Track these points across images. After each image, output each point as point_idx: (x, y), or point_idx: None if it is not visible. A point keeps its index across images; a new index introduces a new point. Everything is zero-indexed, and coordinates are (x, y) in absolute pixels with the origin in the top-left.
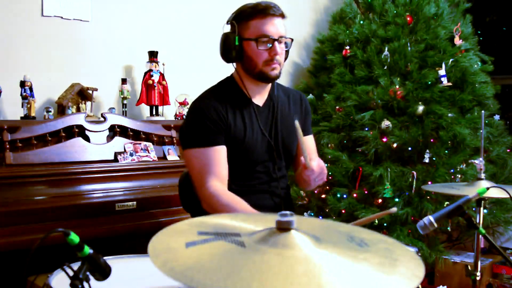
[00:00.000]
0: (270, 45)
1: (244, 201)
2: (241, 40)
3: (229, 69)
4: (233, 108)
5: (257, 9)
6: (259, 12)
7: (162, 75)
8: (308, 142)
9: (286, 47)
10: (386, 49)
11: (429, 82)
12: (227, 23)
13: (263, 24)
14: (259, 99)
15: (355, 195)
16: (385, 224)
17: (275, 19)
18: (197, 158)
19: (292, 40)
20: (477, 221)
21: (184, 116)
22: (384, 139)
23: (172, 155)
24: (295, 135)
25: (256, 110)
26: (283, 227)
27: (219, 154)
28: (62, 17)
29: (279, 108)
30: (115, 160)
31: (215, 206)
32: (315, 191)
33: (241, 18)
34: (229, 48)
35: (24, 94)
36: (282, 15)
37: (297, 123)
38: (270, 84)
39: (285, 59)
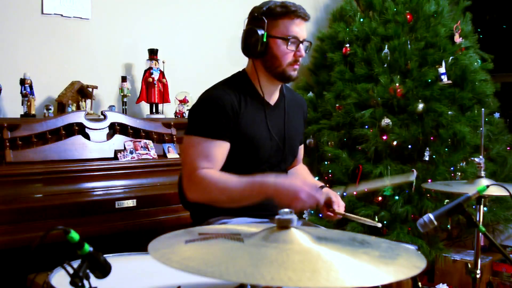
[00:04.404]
0: (296, 47)
1: (239, 177)
2: (268, 36)
3: (230, 67)
4: (246, 103)
5: (288, 9)
6: (290, 12)
7: (162, 73)
8: (301, 150)
9: (306, 50)
10: (386, 47)
11: (429, 80)
12: (253, 18)
13: (292, 25)
14: (271, 98)
15: (355, 193)
16: (385, 222)
17: (303, 22)
18: (196, 147)
19: (311, 43)
20: (477, 219)
21: (183, 114)
22: (384, 137)
23: (172, 153)
24: (299, 137)
25: (267, 108)
26: (283, 225)
27: (221, 149)
28: (62, 15)
29: (288, 109)
30: (115, 158)
31: (208, 187)
32: None
33: (269, 15)
34: (254, 43)
35: (24, 92)
36: (308, 20)
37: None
38: (281, 84)
39: None
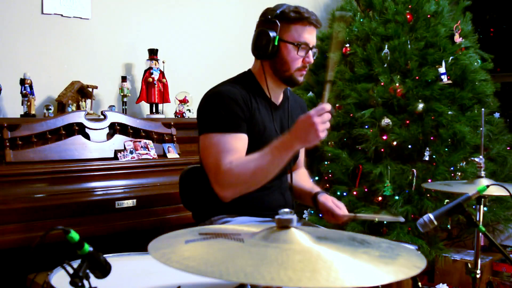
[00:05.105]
0: (306, 53)
1: (259, 153)
2: (280, 40)
3: (230, 67)
4: (256, 101)
5: (302, 15)
6: (304, 19)
7: (162, 73)
8: (302, 152)
9: (313, 56)
10: (386, 47)
11: (429, 80)
12: (265, 20)
13: (304, 31)
14: (276, 98)
15: (355, 192)
16: (385, 222)
17: (314, 29)
18: (217, 145)
19: (319, 49)
20: (477, 219)
21: (183, 114)
22: (384, 137)
23: (172, 153)
24: None
25: (273, 108)
26: (283, 225)
27: (241, 142)
28: (62, 15)
29: (291, 109)
30: (115, 158)
31: (240, 177)
32: None
33: (282, 19)
34: (265, 45)
35: (24, 91)
36: (319, 27)
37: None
38: (286, 87)
39: None
